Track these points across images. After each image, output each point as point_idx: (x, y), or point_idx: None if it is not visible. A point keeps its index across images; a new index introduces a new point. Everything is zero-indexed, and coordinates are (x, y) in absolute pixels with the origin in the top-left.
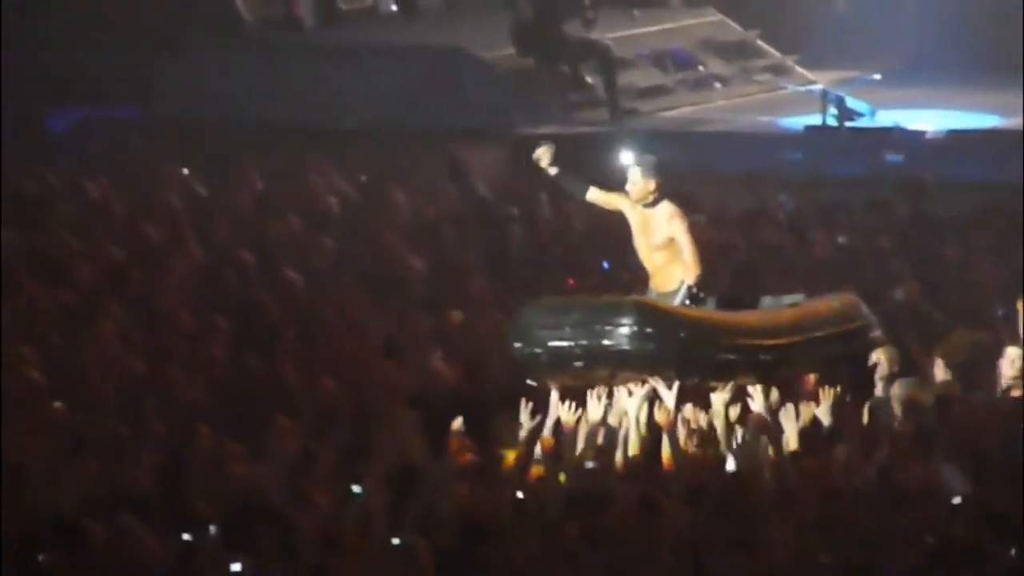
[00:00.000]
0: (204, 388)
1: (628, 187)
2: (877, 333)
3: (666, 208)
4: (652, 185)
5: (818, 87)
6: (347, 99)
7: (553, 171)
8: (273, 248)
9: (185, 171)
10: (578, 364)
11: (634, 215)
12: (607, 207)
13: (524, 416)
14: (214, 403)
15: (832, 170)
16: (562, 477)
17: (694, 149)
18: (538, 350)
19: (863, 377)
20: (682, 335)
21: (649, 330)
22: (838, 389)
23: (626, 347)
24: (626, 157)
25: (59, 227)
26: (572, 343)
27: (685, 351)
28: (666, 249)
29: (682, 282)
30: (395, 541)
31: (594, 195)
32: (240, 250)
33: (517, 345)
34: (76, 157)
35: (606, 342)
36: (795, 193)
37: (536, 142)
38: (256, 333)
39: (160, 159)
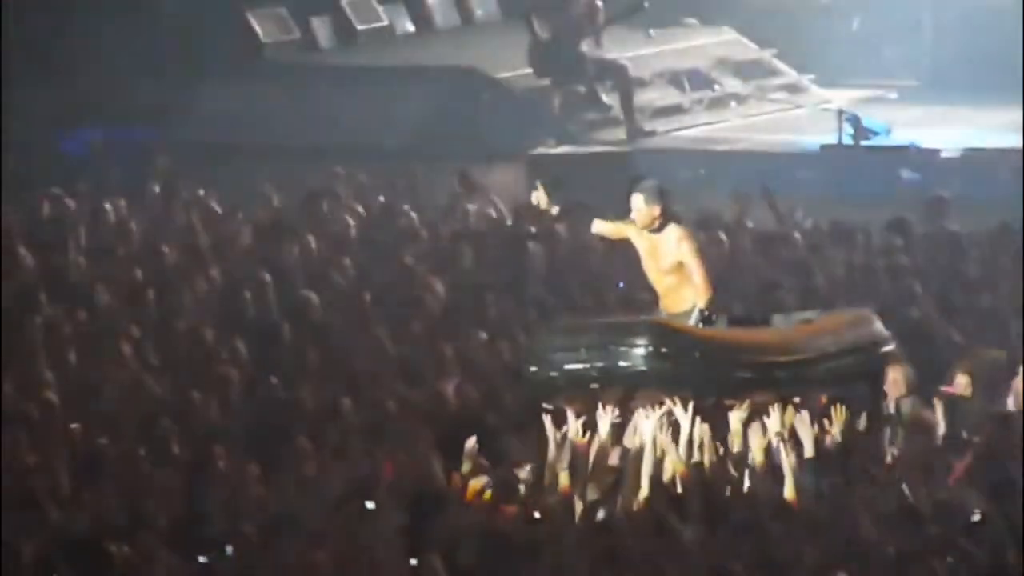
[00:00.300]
0: (221, 410)
1: (632, 215)
2: (891, 348)
3: (674, 232)
4: (656, 210)
5: (834, 106)
6: (364, 120)
7: (555, 210)
8: (291, 269)
9: (202, 192)
10: (594, 386)
11: (641, 241)
12: (614, 237)
13: (550, 435)
14: (231, 425)
15: (848, 189)
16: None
17: (710, 168)
18: (554, 373)
19: (876, 394)
20: (697, 354)
21: (664, 350)
22: (845, 409)
23: (642, 367)
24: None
25: (76, 249)
26: (588, 365)
27: (701, 370)
28: (675, 272)
29: (694, 305)
30: (412, 562)
31: (599, 227)
32: (258, 271)
33: (533, 369)
34: (93, 180)
35: (622, 363)
36: (812, 212)
37: (549, 166)
38: (274, 355)
39: (178, 181)
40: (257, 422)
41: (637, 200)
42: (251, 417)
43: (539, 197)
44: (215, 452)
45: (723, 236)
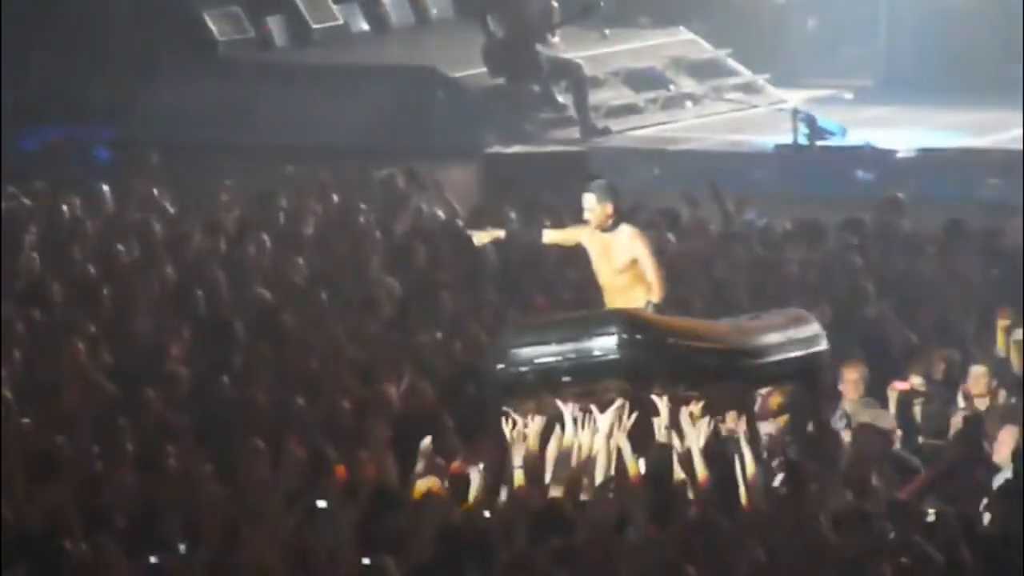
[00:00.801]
0: (175, 408)
1: (586, 214)
2: (825, 348)
3: (626, 230)
4: (609, 208)
5: (789, 106)
6: (318, 118)
7: (501, 234)
8: (245, 267)
9: (155, 191)
10: (566, 379)
11: (593, 241)
12: (566, 244)
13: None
14: (184, 423)
15: (803, 188)
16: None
17: (665, 167)
18: (524, 368)
19: (816, 394)
20: (670, 341)
21: (638, 336)
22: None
23: (615, 356)
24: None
25: (30, 246)
26: (559, 358)
27: (672, 358)
28: (628, 271)
29: (648, 302)
30: (365, 561)
31: (550, 236)
32: (212, 269)
33: (500, 366)
34: (48, 178)
35: (596, 353)
36: (766, 211)
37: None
38: (228, 353)
39: (132, 179)
40: (209, 421)
41: (589, 199)
42: (203, 416)
43: (480, 238)
44: (167, 450)
45: (672, 237)
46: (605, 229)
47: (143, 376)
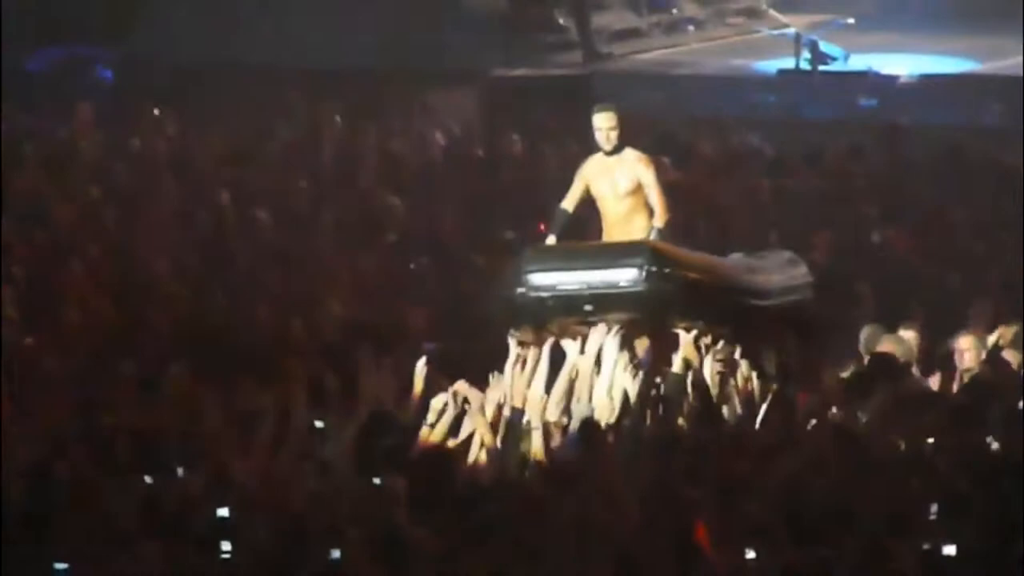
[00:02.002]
0: (176, 328)
1: (598, 132)
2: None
3: (631, 153)
4: (616, 128)
5: (791, 31)
6: (322, 40)
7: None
8: (247, 189)
9: (157, 111)
10: (588, 307)
11: (596, 168)
12: (583, 193)
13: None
14: (185, 344)
15: (805, 113)
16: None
17: (668, 92)
18: (544, 294)
19: (808, 336)
20: (692, 276)
21: (663, 270)
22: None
23: (640, 288)
24: (593, 109)
25: (32, 168)
26: (583, 286)
27: (694, 293)
28: (631, 197)
29: (653, 227)
30: (376, 481)
31: (568, 200)
32: (214, 191)
33: (521, 290)
34: (51, 97)
35: (621, 284)
36: (768, 136)
37: (510, 84)
38: (230, 275)
39: (135, 99)
40: (211, 342)
41: (601, 119)
42: (206, 338)
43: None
44: (167, 372)
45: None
46: (610, 152)
47: (144, 297)
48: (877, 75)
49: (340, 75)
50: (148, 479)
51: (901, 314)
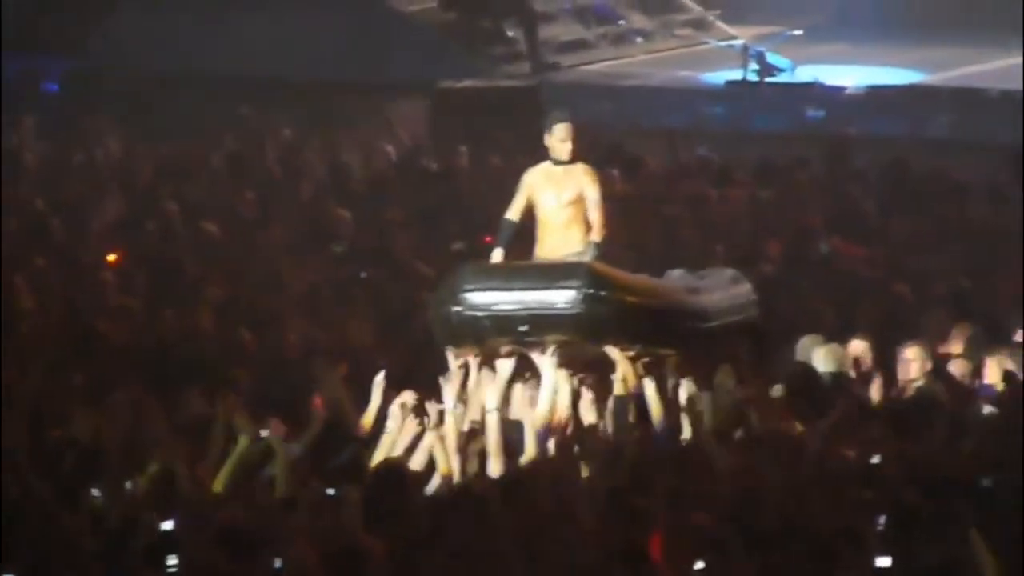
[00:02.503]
0: (123, 340)
1: (556, 143)
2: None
3: (580, 166)
4: (571, 138)
5: (739, 42)
6: (270, 51)
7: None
8: (194, 201)
9: (111, 121)
10: (523, 328)
11: (543, 175)
12: (527, 203)
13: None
14: (133, 356)
15: (753, 125)
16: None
17: (615, 103)
18: (480, 314)
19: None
20: (630, 299)
21: (601, 293)
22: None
23: (576, 310)
24: (550, 119)
25: None
26: (519, 306)
27: (632, 316)
28: (572, 207)
29: (591, 243)
30: (329, 491)
31: (513, 211)
32: (162, 201)
33: (456, 309)
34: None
35: (558, 305)
36: (716, 147)
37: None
38: (177, 286)
39: (88, 109)
40: (158, 354)
41: (561, 129)
42: (152, 349)
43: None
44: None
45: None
46: (561, 162)
47: (92, 309)
48: (824, 86)
49: (289, 86)
50: (95, 492)
51: (849, 325)
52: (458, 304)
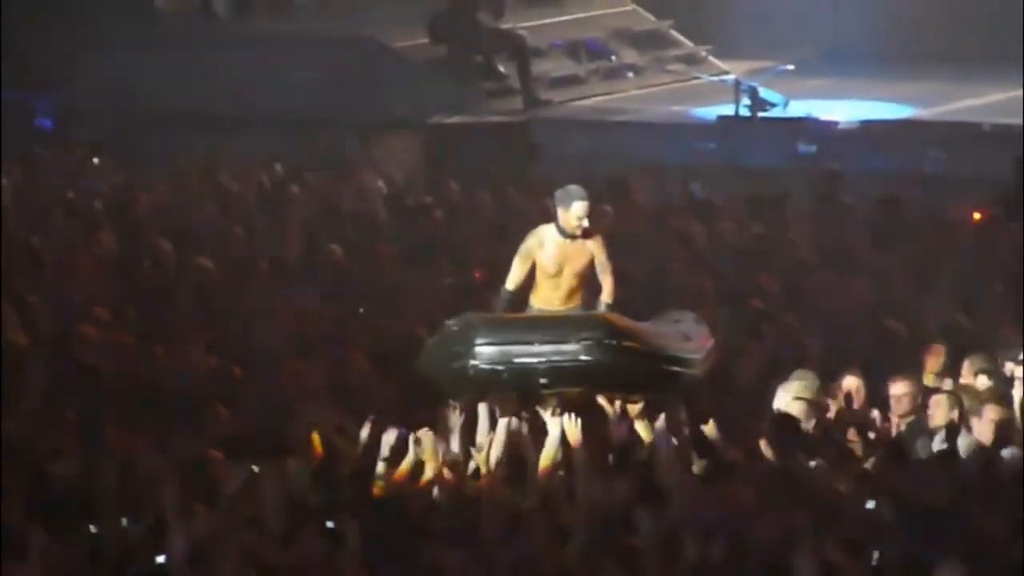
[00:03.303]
0: (115, 376)
1: (572, 220)
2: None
3: (590, 240)
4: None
5: (731, 77)
6: (261, 89)
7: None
8: (187, 237)
9: (96, 161)
10: (543, 380)
11: (550, 248)
12: (526, 268)
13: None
14: (124, 391)
15: (745, 160)
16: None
17: (606, 138)
18: (500, 367)
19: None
20: (643, 348)
21: (620, 343)
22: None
23: (595, 360)
24: (567, 194)
25: None
26: (542, 359)
27: (644, 365)
28: (579, 276)
29: (604, 303)
30: (329, 524)
31: (513, 281)
32: (155, 238)
33: (472, 363)
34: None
35: (580, 357)
36: (707, 183)
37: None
38: (169, 322)
39: (74, 148)
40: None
41: (580, 207)
42: (145, 387)
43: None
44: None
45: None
46: (576, 236)
47: (82, 345)
48: (817, 121)
49: (280, 123)
50: (92, 528)
51: (840, 360)
52: (475, 358)
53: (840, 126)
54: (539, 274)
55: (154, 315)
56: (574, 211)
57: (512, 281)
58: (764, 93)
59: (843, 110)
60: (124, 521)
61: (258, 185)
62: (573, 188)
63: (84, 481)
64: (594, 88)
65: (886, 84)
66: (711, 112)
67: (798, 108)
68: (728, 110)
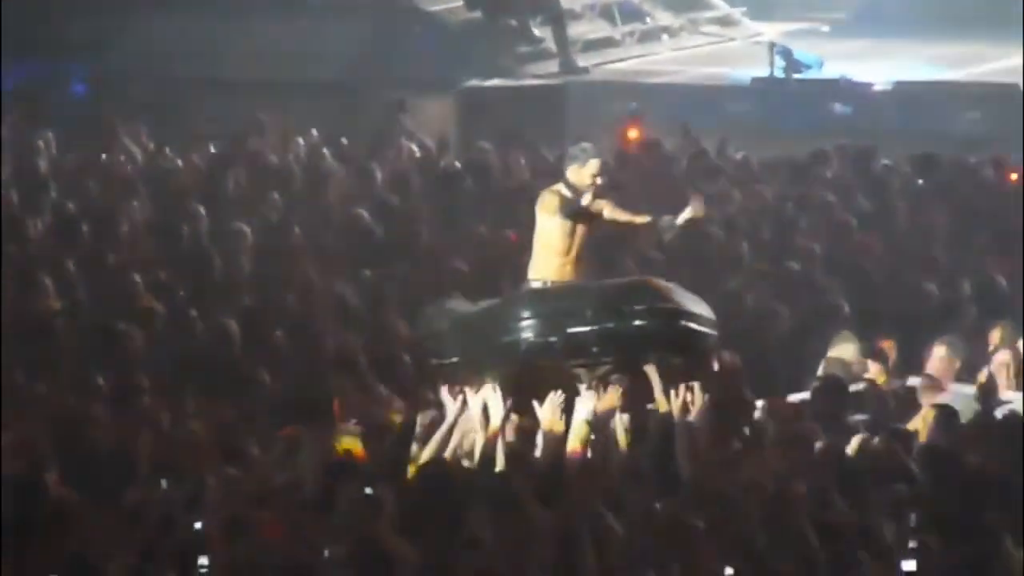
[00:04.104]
0: (151, 343)
1: (588, 179)
2: None
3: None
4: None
5: (765, 39)
6: (298, 54)
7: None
8: (223, 204)
9: (135, 127)
10: (594, 350)
11: (560, 207)
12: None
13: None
14: (161, 359)
15: (780, 122)
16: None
17: (641, 101)
18: (552, 338)
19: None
20: (683, 312)
21: (668, 308)
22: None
23: (648, 327)
24: (583, 151)
25: (5, 183)
26: (595, 327)
27: (686, 328)
28: (587, 239)
29: (672, 222)
30: (367, 491)
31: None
32: (191, 205)
33: (524, 336)
34: (27, 113)
35: (635, 323)
36: (742, 144)
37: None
38: (207, 289)
39: (109, 114)
40: (186, 355)
41: (597, 164)
42: (182, 353)
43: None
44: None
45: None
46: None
47: (119, 311)
48: (851, 82)
49: (315, 87)
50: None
51: (876, 323)
52: (526, 331)
53: (875, 87)
54: (549, 240)
55: (190, 280)
56: (589, 167)
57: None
58: (798, 54)
59: (878, 71)
60: (164, 483)
61: (294, 150)
62: (588, 145)
63: (122, 448)
64: (629, 51)
65: (921, 45)
66: (746, 74)
67: (833, 69)
68: (763, 72)
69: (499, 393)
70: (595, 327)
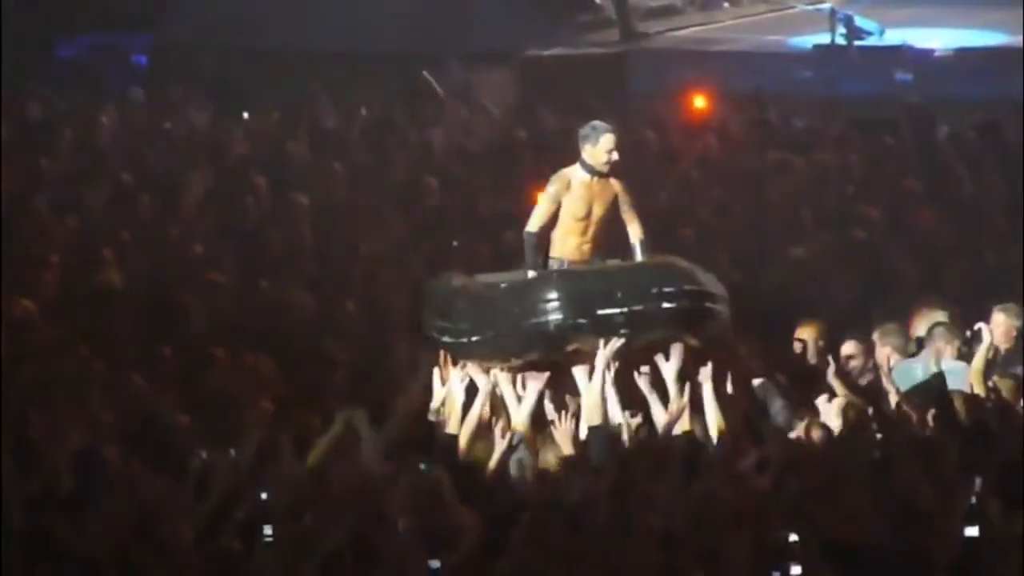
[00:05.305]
0: (213, 315)
1: (601, 153)
2: None
3: (612, 179)
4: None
5: (826, 6)
6: (356, 23)
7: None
8: (285, 173)
9: (199, 95)
10: (624, 331)
11: (581, 190)
12: (551, 211)
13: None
14: (224, 329)
15: (841, 89)
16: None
17: (703, 69)
18: (583, 320)
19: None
20: (705, 291)
21: (695, 288)
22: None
23: (677, 309)
24: (595, 129)
25: (67, 152)
26: (625, 308)
27: (709, 308)
28: (606, 217)
29: (637, 241)
30: (422, 466)
31: (536, 223)
32: (252, 175)
33: (554, 317)
34: (86, 84)
35: (664, 305)
36: (804, 112)
37: (546, 64)
38: (269, 258)
39: (170, 85)
40: (252, 327)
41: (611, 139)
42: (245, 322)
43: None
44: (208, 359)
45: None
46: (600, 173)
47: (181, 284)
48: (913, 49)
49: (374, 58)
50: (201, 456)
51: (937, 291)
52: (555, 312)
53: (936, 54)
54: (565, 220)
55: (251, 252)
56: (603, 144)
57: (536, 223)
58: (860, 21)
59: (939, 38)
60: (232, 452)
61: (355, 121)
62: (599, 123)
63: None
64: (690, 18)
65: (982, 11)
66: (807, 41)
67: (894, 36)
68: (824, 39)
69: (527, 373)
70: (624, 309)
